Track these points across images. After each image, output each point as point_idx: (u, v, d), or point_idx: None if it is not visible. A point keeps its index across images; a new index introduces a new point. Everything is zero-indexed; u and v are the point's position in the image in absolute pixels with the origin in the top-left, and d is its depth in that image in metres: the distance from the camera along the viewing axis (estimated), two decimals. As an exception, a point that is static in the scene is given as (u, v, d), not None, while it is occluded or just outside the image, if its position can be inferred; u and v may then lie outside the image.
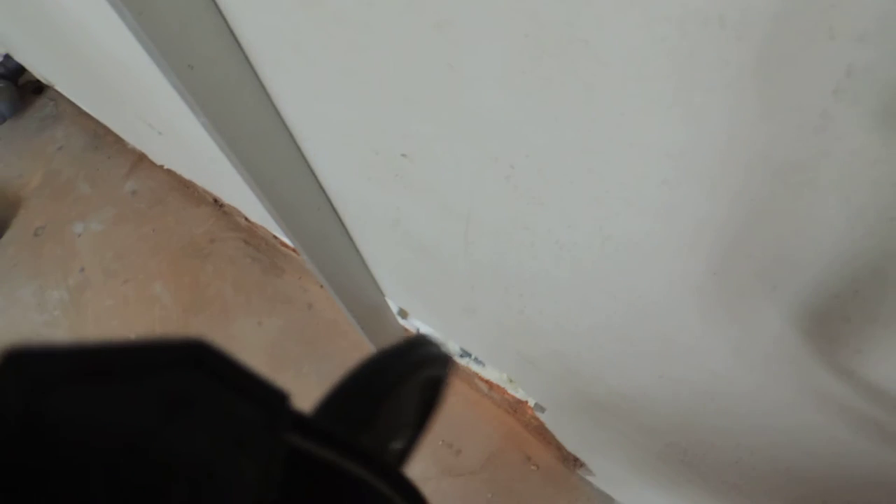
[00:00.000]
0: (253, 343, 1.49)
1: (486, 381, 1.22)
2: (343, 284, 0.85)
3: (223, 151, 0.55)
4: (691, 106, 0.22)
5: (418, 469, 1.26)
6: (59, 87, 1.77)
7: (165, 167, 1.63)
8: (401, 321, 1.14)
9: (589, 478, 1.16)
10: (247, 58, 0.49)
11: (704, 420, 0.49)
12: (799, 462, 0.44)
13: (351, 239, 0.78)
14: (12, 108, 1.94)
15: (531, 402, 1.04)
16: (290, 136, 0.58)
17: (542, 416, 0.98)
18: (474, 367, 1.17)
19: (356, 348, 1.43)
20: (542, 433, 1.22)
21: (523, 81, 0.28)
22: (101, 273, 1.69)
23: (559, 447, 1.21)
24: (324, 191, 0.67)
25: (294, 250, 1.50)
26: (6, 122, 1.96)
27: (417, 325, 1.14)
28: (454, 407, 1.32)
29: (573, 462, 1.18)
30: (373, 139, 0.47)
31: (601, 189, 0.31)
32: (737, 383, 0.40)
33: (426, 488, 1.23)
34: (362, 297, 0.92)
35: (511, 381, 1.06)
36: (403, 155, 0.45)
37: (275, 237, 1.54)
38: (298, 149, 0.60)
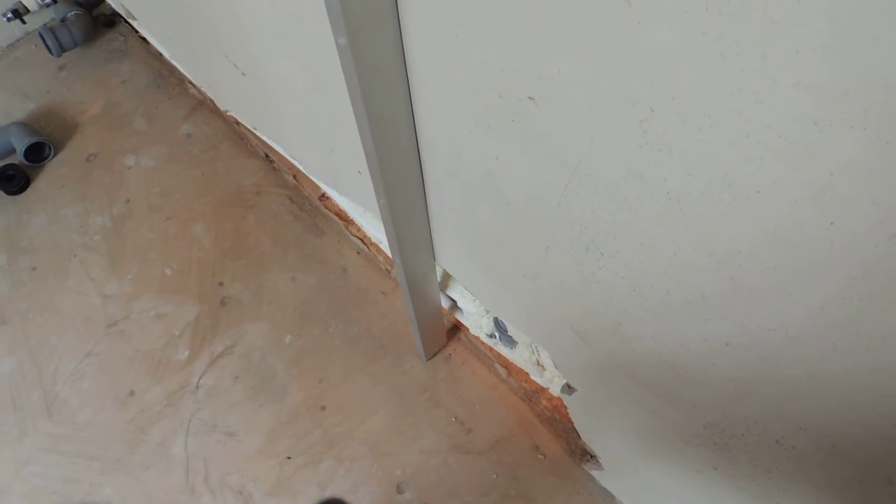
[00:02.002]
0: (283, 296, 1.53)
1: (507, 367, 1.25)
2: (404, 239, 0.88)
3: (347, 77, 0.58)
4: (873, 42, 0.26)
5: (429, 441, 1.29)
6: (139, 20, 1.82)
7: (229, 113, 1.68)
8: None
9: (594, 472, 1.19)
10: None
11: (759, 393, 0.52)
12: (850, 437, 0.46)
13: (424, 192, 0.82)
14: (84, 36, 1.99)
15: (558, 387, 1.07)
16: (405, 74, 0.62)
17: (567, 400, 1.01)
18: (501, 349, 1.20)
19: (383, 317, 1.47)
20: (554, 425, 1.25)
21: (704, 17, 0.31)
22: (145, 206, 1.74)
23: (568, 440, 1.24)
24: (416, 137, 0.71)
25: (337, 213, 1.54)
26: (76, 48, 2.02)
27: (455, 297, 1.18)
28: (471, 387, 1.35)
29: (580, 456, 1.21)
30: (503, 81, 0.50)
31: (741, 133, 0.35)
32: (810, 347, 0.43)
33: (434, 461, 1.27)
34: (416, 257, 0.96)
35: (539, 363, 1.09)
36: (531, 98, 0.49)
37: (321, 198, 1.58)
38: (408, 88, 0.64)
